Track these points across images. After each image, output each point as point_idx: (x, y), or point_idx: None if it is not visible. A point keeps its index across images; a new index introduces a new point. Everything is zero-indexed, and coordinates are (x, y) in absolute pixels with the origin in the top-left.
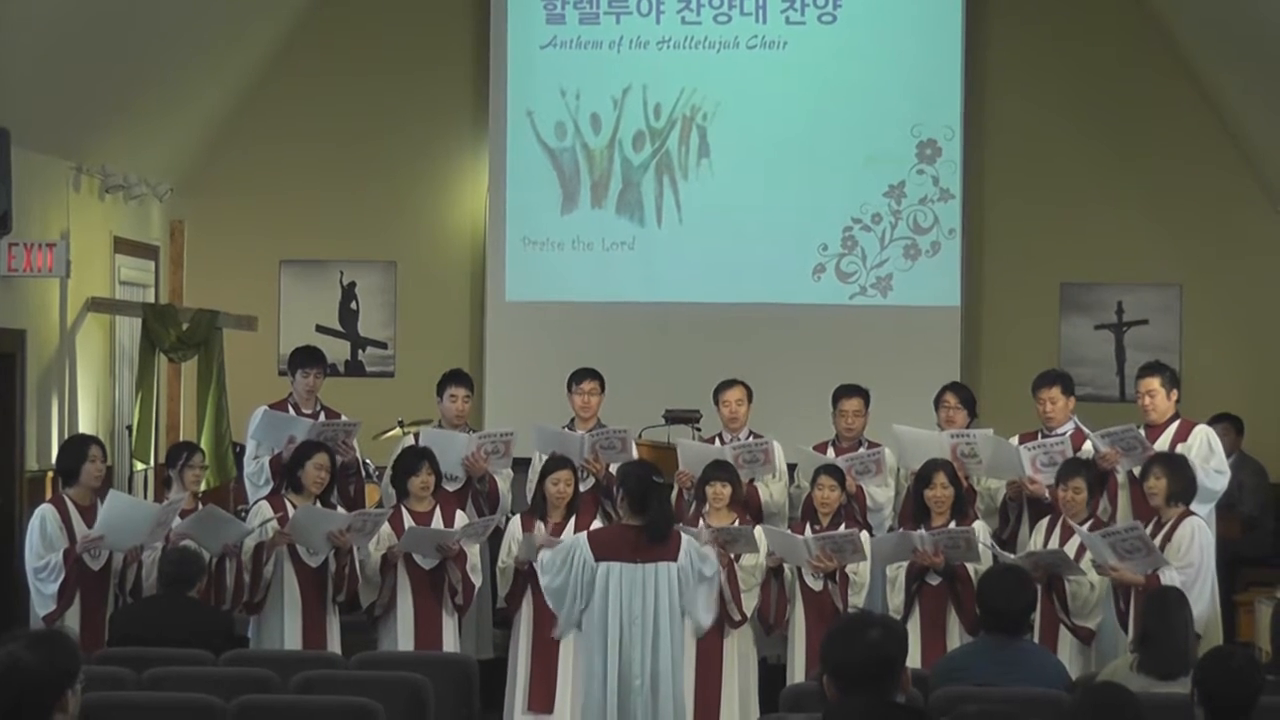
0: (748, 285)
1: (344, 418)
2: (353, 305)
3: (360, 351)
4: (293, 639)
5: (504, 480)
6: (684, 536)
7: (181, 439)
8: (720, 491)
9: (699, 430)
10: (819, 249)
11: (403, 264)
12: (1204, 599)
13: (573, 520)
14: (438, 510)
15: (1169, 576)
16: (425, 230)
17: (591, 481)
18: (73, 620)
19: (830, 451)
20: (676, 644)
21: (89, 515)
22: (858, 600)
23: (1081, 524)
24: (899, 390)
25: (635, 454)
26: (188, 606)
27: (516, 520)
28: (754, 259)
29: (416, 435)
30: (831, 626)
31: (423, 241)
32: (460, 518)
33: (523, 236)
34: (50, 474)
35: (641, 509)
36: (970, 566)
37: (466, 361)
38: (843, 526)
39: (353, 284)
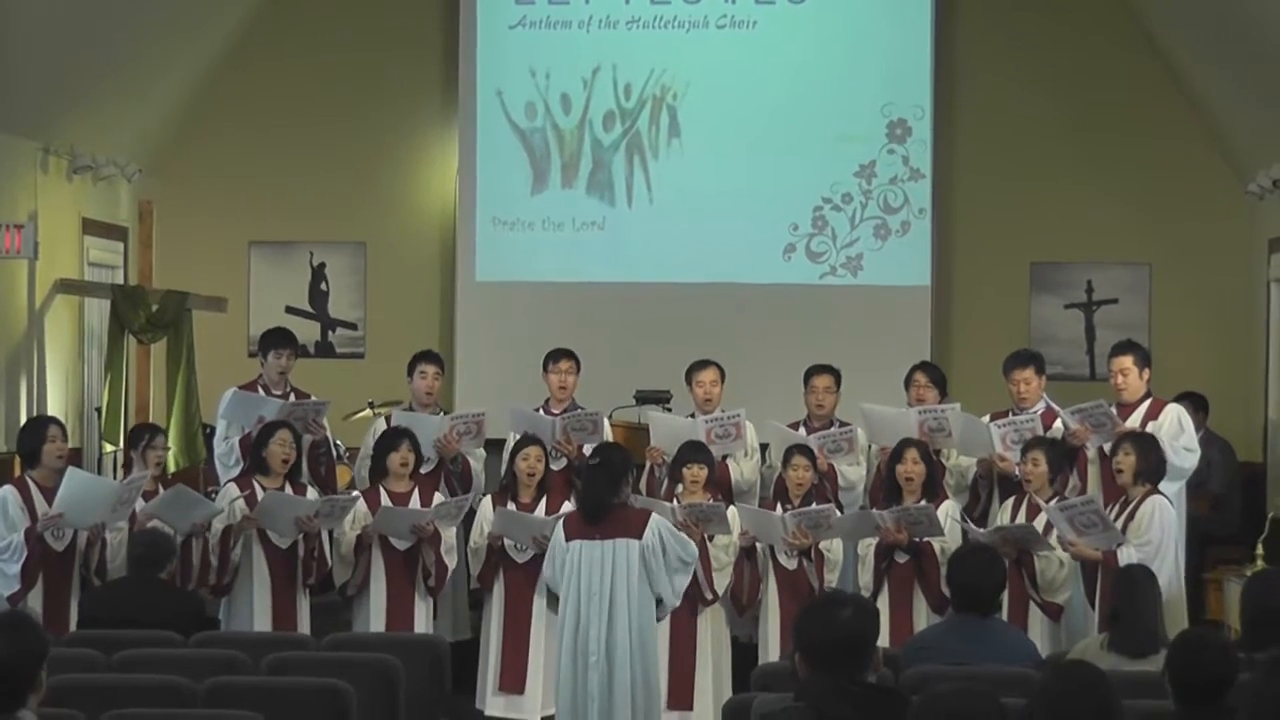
0: (718, 265)
1: (314, 398)
2: (322, 286)
3: (330, 333)
4: (263, 620)
5: (477, 461)
6: (655, 517)
7: (151, 421)
8: (697, 474)
9: (669, 411)
10: (789, 229)
11: (372, 245)
12: (1165, 576)
13: (544, 500)
14: (416, 492)
15: (1126, 553)
16: (395, 211)
17: (564, 461)
18: (35, 601)
19: (802, 430)
20: (638, 620)
21: (52, 496)
22: (832, 578)
23: (1047, 501)
24: (869, 370)
25: (609, 435)
26: (158, 589)
27: (488, 500)
28: (724, 239)
29: (387, 417)
30: (804, 605)
31: (392, 222)
32: (437, 499)
33: (493, 217)
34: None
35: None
36: (938, 544)
37: (437, 342)
38: (814, 504)
39: (322, 265)
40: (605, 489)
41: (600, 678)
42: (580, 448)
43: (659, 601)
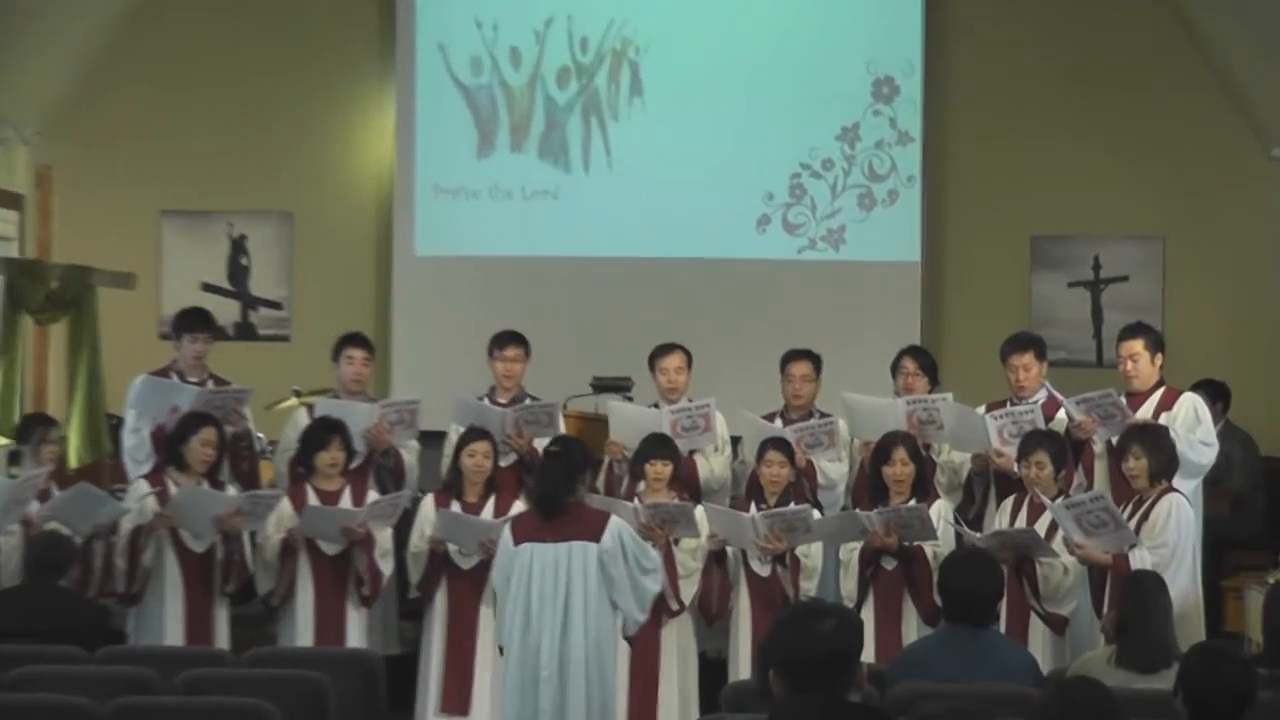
0: (685, 238)
1: (234, 386)
2: (243, 261)
3: (251, 312)
4: (176, 633)
5: (410, 454)
6: (614, 519)
7: (48, 411)
8: (661, 470)
9: (630, 400)
10: (764, 198)
11: (299, 215)
12: (1181, 584)
13: (492, 499)
14: (347, 490)
15: (1139, 557)
16: (325, 177)
17: (514, 457)
18: None
19: (777, 422)
20: (595, 632)
21: None
22: (809, 586)
23: (1053, 501)
24: (852, 355)
25: (564, 428)
26: (59, 597)
27: (430, 498)
28: (692, 209)
29: (311, 406)
30: (780, 616)
31: (322, 190)
32: (371, 497)
33: (434, 184)
34: None
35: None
36: (929, 548)
37: (371, 323)
38: (792, 505)
39: (243, 237)
40: (563, 482)
41: (552, 695)
42: (532, 442)
43: (620, 616)
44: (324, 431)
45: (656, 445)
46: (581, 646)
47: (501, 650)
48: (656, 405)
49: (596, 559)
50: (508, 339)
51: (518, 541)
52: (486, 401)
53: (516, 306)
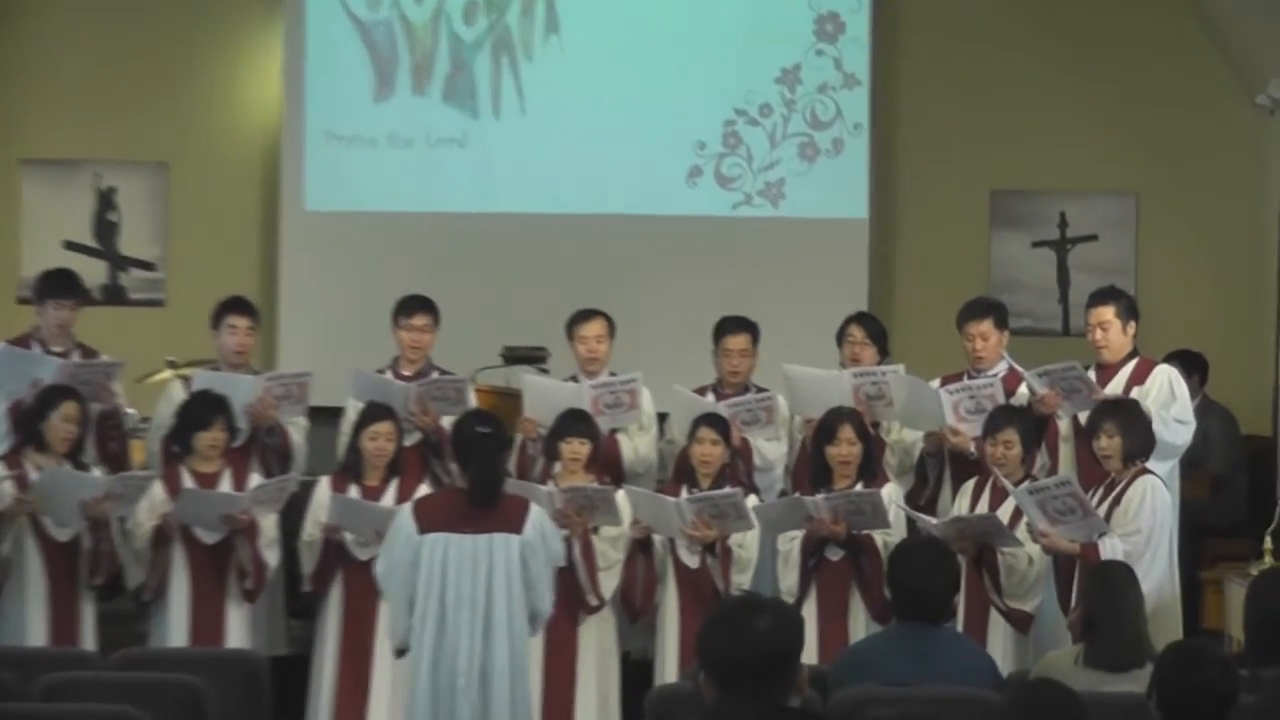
0: (606, 192)
1: (104, 357)
2: (111, 216)
3: (121, 274)
4: (37, 632)
5: (298, 432)
6: (534, 508)
7: None
8: (578, 450)
9: (546, 372)
10: (694, 148)
11: (175, 165)
12: (1157, 575)
13: (394, 483)
14: (228, 472)
15: (1110, 546)
16: (204, 123)
17: (418, 436)
18: None
19: (710, 397)
20: (518, 635)
21: None
22: (743, 579)
23: (1017, 485)
24: (793, 323)
25: (473, 404)
26: None
27: (325, 482)
28: (614, 160)
29: (188, 379)
30: (711, 613)
31: (200, 137)
32: (254, 481)
33: (326, 131)
34: None
35: (464, 466)
36: (879, 537)
37: (256, 286)
38: (726, 488)
39: (111, 190)
40: (501, 468)
41: (472, 705)
42: (439, 420)
43: (531, 616)
44: (203, 408)
45: (573, 422)
46: (505, 651)
47: (399, 653)
48: (575, 379)
49: (519, 552)
50: (415, 305)
51: (425, 529)
52: (389, 375)
53: (418, 268)
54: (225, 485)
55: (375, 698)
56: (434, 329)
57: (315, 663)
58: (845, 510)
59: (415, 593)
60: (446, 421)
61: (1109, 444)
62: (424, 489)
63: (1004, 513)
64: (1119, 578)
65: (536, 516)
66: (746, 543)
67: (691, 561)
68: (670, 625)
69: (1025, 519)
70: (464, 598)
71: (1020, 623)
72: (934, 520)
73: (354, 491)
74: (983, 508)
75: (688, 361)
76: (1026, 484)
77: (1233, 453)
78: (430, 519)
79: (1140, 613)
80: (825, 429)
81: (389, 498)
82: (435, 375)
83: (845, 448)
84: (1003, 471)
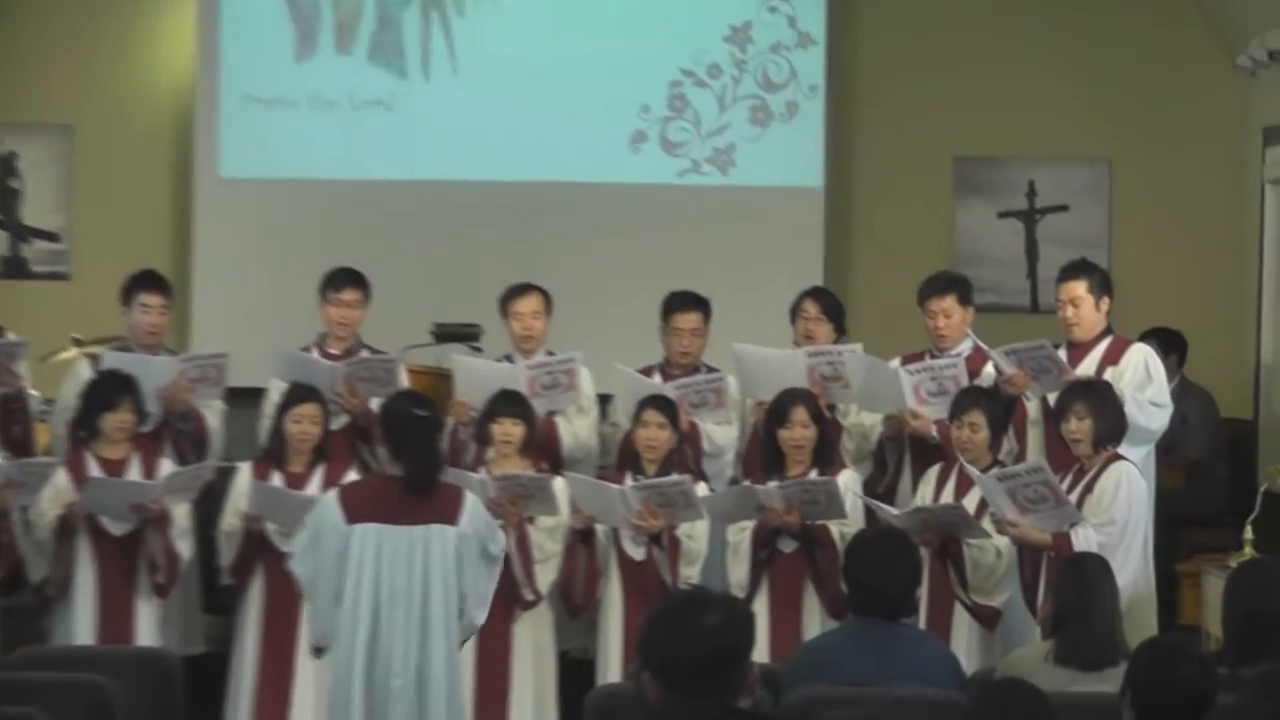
0: (543, 158)
1: (11, 336)
2: (12, 183)
3: (22, 245)
4: None
5: (215, 416)
6: (469, 496)
7: None
8: (510, 431)
9: (479, 350)
10: (638, 112)
11: (81, 129)
12: (1131, 568)
13: (320, 470)
14: (137, 458)
15: (1084, 537)
16: (111, 83)
17: (345, 419)
18: None
19: (656, 378)
20: (455, 633)
21: None
22: (692, 572)
23: (984, 472)
24: (744, 298)
25: (405, 385)
26: None
27: (246, 468)
28: (552, 124)
29: (95, 358)
30: (656, 609)
31: (108, 98)
32: (166, 468)
33: (243, 92)
34: None
35: (400, 452)
36: (835, 527)
37: (168, 258)
38: (673, 475)
39: (12, 155)
40: (440, 454)
41: (407, 709)
42: (368, 402)
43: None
44: (111, 389)
45: (504, 403)
46: (443, 651)
47: (318, 652)
48: (509, 358)
49: (455, 545)
50: (344, 279)
51: (354, 519)
52: (314, 354)
53: (343, 239)
54: (134, 473)
55: (298, 699)
56: (364, 305)
57: (234, 662)
58: (799, 499)
59: (342, 588)
60: (376, 404)
61: (1079, 427)
62: (352, 476)
63: (969, 502)
64: (1092, 570)
65: (472, 506)
66: (695, 533)
67: (637, 553)
68: (613, 621)
69: (991, 509)
70: (399, 595)
71: (987, 619)
72: (895, 511)
73: (277, 479)
74: (947, 496)
75: (631, 339)
76: (995, 470)
77: (1212, 438)
78: (359, 508)
79: (1114, 608)
80: (777, 411)
81: (314, 485)
82: (364, 354)
83: (798, 431)
84: (968, 457)
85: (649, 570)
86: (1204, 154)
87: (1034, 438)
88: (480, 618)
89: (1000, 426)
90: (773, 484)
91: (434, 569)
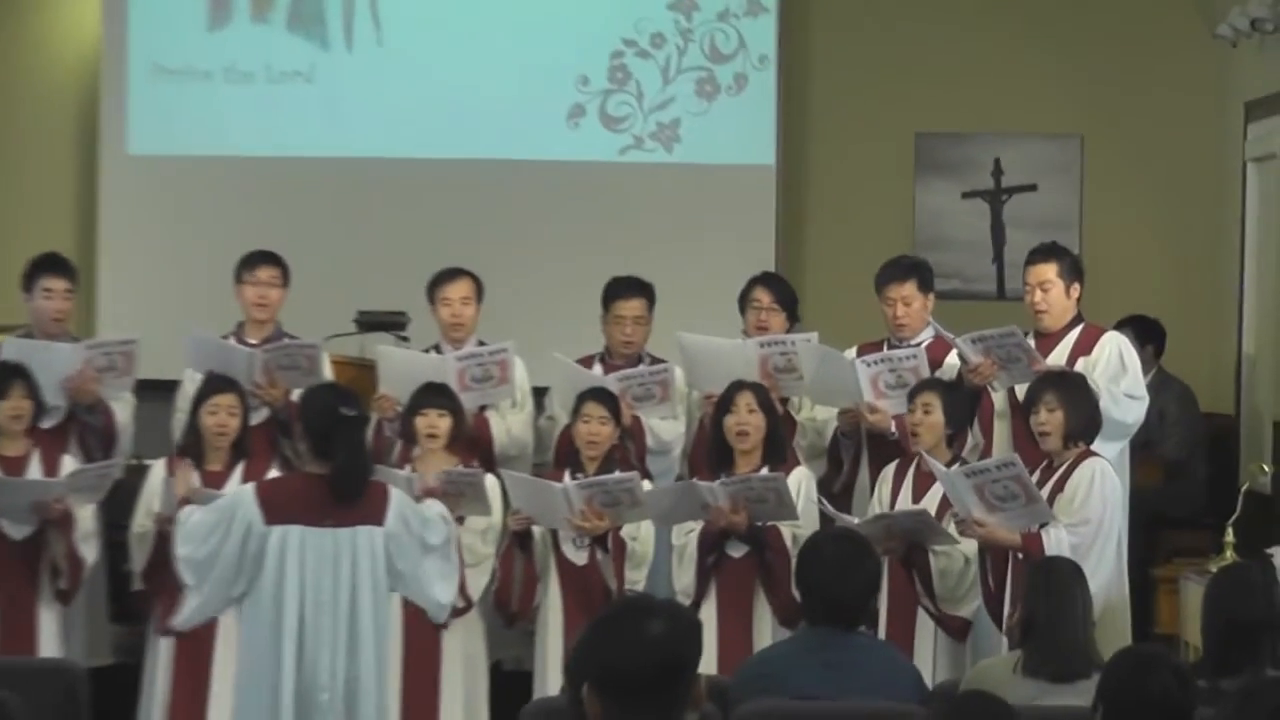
0: (474, 134)
1: None
2: None
3: None
4: None
5: (124, 408)
6: (394, 492)
7: None
8: (436, 424)
9: (406, 340)
10: (576, 83)
11: None
12: (1105, 572)
13: (240, 466)
14: (36, 455)
15: (1055, 538)
16: (9, 53)
17: (266, 413)
18: None
19: (597, 369)
20: (384, 641)
21: None
22: (638, 577)
23: (948, 464)
24: (690, 285)
25: (328, 375)
26: None
27: (160, 465)
28: (484, 97)
29: None
30: (597, 617)
31: (5, 70)
32: (68, 465)
33: (153, 63)
34: None
35: (325, 452)
36: (788, 530)
37: (72, 240)
38: (618, 473)
39: None
40: (368, 456)
41: None
42: (287, 393)
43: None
44: (1, 377)
45: (429, 393)
46: (373, 662)
47: (171, 633)
48: (437, 349)
49: (383, 547)
50: (260, 259)
51: (274, 520)
52: (232, 341)
53: (260, 220)
54: (34, 471)
55: (214, 713)
56: (282, 285)
57: (145, 674)
58: (746, 498)
59: (238, 585)
60: (298, 395)
61: (1049, 419)
62: (275, 474)
63: (930, 501)
64: (1063, 574)
65: (398, 502)
66: (641, 535)
67: (578, 557)
68: (552, 631)
69: (954, 508)
70: (325, 603)
71: (956, 630)
72: (855, 519)
73: (194, 477)
74: (905, 495)
75: (569, 328)
76: (962, 466)
77: (1191, 433)
78: (280, 508)
79: (1087, 615)
80: (724, 402)
81: (233, 484)
82: (285, 341)
83: (744, 416)
84: (922, 443)
85: (591, 575)
86: (1182, 129)
87: (1001, 431)
88: (444, 595)
89: (962, 420)
90: (718, 481)
91: (362, 574)
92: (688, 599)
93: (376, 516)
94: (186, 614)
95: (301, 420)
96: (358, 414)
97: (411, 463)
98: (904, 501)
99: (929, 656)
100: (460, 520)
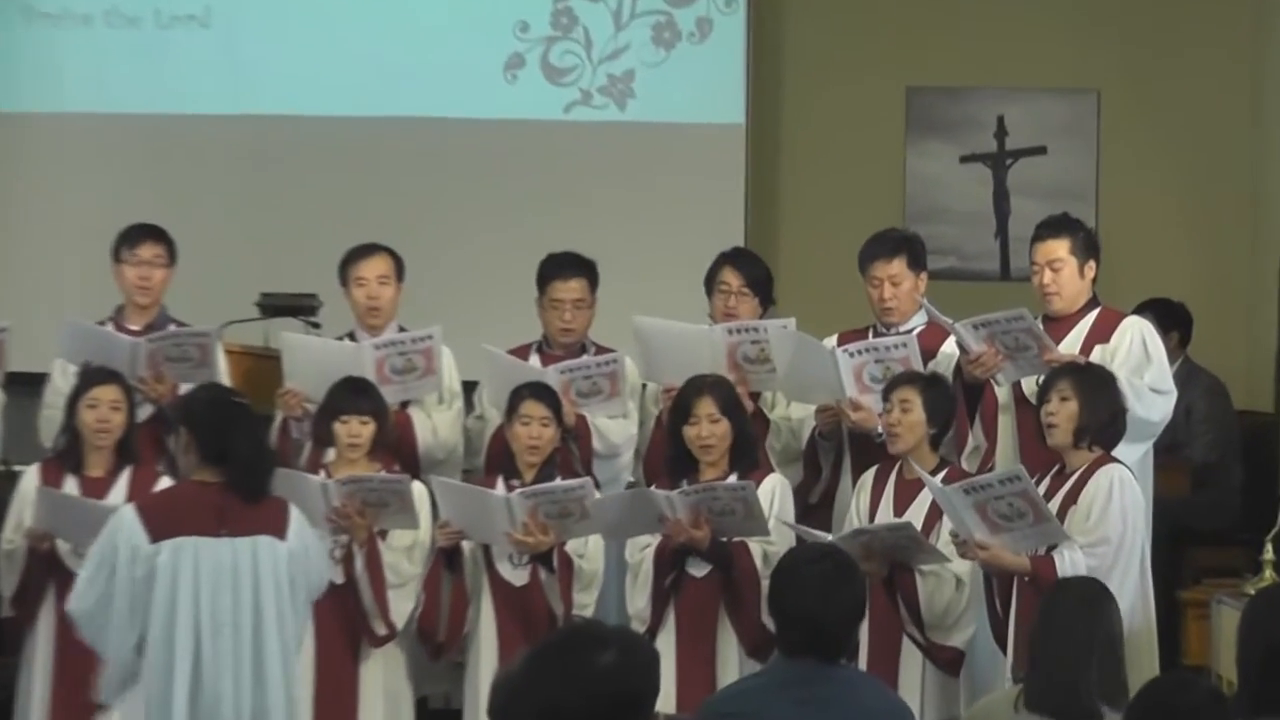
0: (397, 89)
1: None
2: None
3: None
4: None
5: None
6: (293, 511)
7: None
8: (358, 432)
9: (316, 327)
10: (515, 30)
11: None
12: (1128, 596)
13: (126, 473)
14: None
15: (1070, 560)
16: None
17: (151, 410)
18: None
19: (535, 360)
20: (294, 668)
21: None
22: (586, 600)
23: (934, 473)
24: (646, 262)
25: (223, 368)
26: None
27: (33, 472)
28: (408, 47)
29: None
30: (540, 646)
31: None
32: None
33: (22, 5)
34: None
35: (219, 456)
36: (757, 547)
37: None
38: (559, 479)
39: None
40: (269, 447)
41: None
42: (176, 388)
43: None
44: None
45: (350, 395)
46: (281, 692)
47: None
48: (351, 337)
49: (286, 562)
50: (140, 233)
51: (160, 535)
52: (111, 328)
53: (148, 187)
54: None
55: None
56: (168, 264)
57: (17, 712)
58: (709, 509)
59: (146, 627)
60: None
61: (1059, 409)
62: (166, 481)
63: (916, 513)
64: (1077, 597)
65: (298, 522)
66: (590, 552)
67: (516, 577)
68: (485, 663)
69: (942, 524)
70: (224, 622)
71: (947, 662)
72: (828, 535)
73: (71, 485)
74: (886, 506)
75: (504, 313)
76: (963, 481)
77: (1222, 434)
78: (167, 522)
79: (1109, 644)
80: (681, 404)
81: (118, 492)
82: (172, 329)
83: (706, 427)
84: (899, 445)
85: (532, 598)
86: (1212, 84)
87: (1006, 430)
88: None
89: (947, 418)
90: (677, 491)
91: (265, 589)
92: (643, 626)
93: (278, 528)
94: (105, 687)
95: (186, 425)
96: (248, 403)
97: (325, 469)
98: (885, 513)
99: (916, 693)
100: (383, 535)
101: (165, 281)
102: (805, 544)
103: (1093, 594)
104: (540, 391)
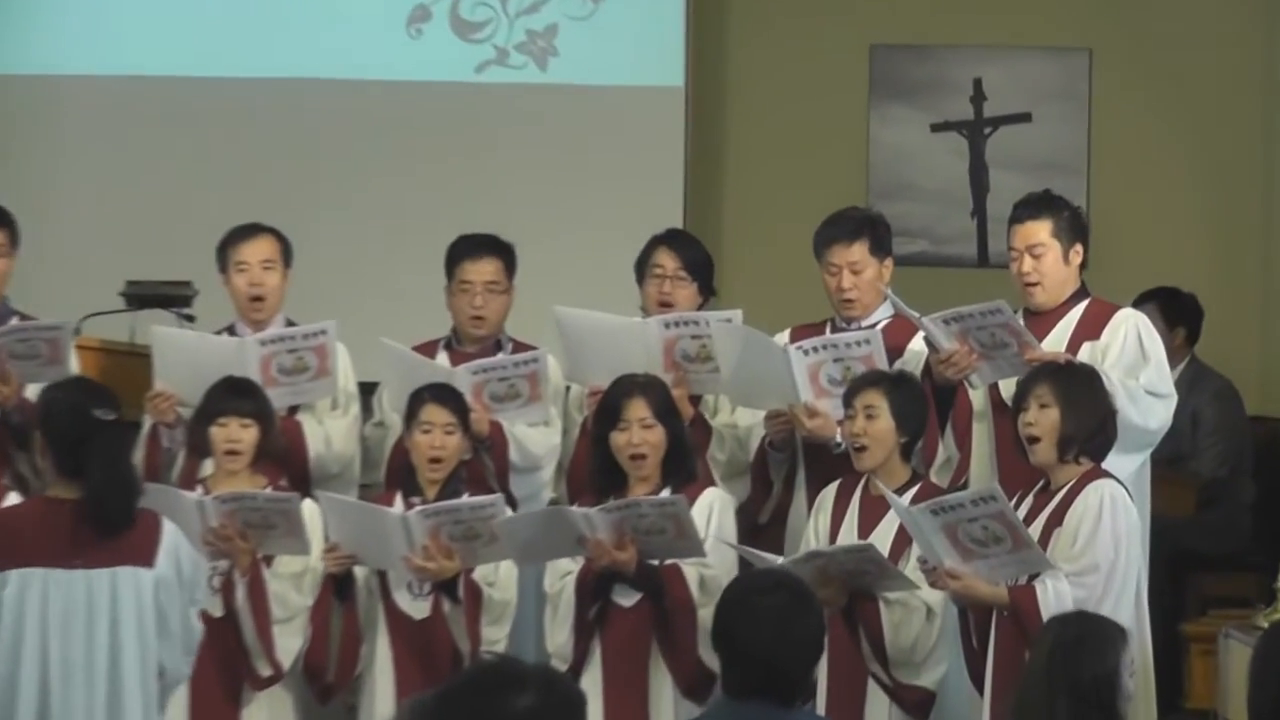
0: (285, 47)
1: None
2: None
3: None
4: None
5: None
6: (167, 525)
7: None
8: (238, 436)
9: (192, 320)
10: None
11: None
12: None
13: None
14: None
15: (1055, 592)
16: None
17: None
18: None
19: (443, 358)
20: (154, 713)
21: None
22: (498, 635)
23: (900, 492)
24: (571, 245)
25: (74, 367)
26: None
27: None
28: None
29: None
30: (445, 688)
31: None
32: None
33: None
34: None
35: (74, 469)
36: (693, 570)
37: None
38: (466, 496)
39: None
40: (134, 472)
41: None
42: (23, 389)
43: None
44: None
45: (230, 395)
46: None
47: None
48: (232, 331)
49: (153, 593)
50: None
51: (4, 564)
52: None
53: None
54: None
55: None
56: (9, 251)
57: None
58: (635, 528)
59: None
60: (35, 392)
61: (1039, 418)
62: (13, 498)
63: (883, 536)
64: (1084, 631)
65: (171, 538)
66: (501, 580)
67: (415, 609)
68: (380, 705)
69: (912, 549)
70: (76, 664)
71: (916, 705)
72: (779, 558)
73: None
74: (850, 526)
75: (407, 305)
76: (930, 501)
77: (1232, 444)
78: (13, 547)
79: (1107, 681)
80: (608, 408)
81: None
82: (16, 322)
83: (637, 434)
84: (865, 461)
85: (434, 632)
86: (1220, 44)
87: (982, 437)
88: (187, 667)
89: (920, 425)
90: (597, 508)
91: (125, 629)
92: (564, 663)
93: (144, 555)
94: None
95: (42, 428)
96: (118, 418)
97: (202, 483)
98: (849, 535)
99: None
100: (268, 561)
101: (6, 272)
102: (754, 570)
103: (1106, 624)
104: (442, 394)
